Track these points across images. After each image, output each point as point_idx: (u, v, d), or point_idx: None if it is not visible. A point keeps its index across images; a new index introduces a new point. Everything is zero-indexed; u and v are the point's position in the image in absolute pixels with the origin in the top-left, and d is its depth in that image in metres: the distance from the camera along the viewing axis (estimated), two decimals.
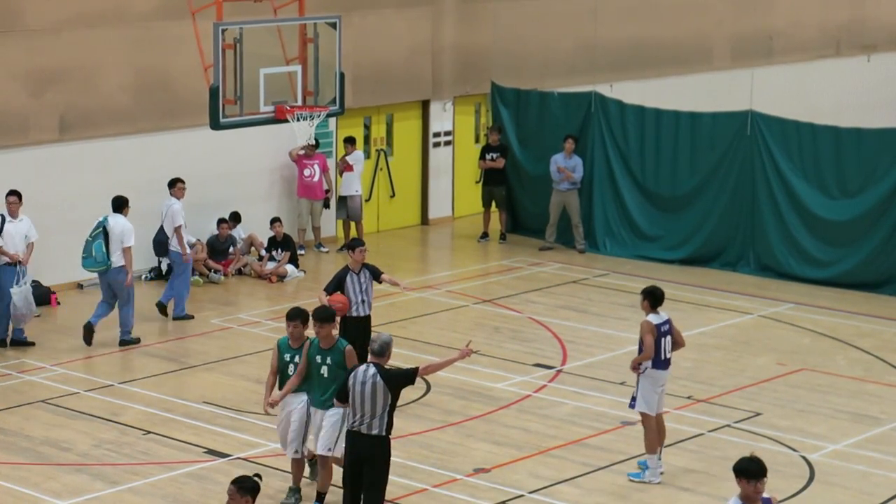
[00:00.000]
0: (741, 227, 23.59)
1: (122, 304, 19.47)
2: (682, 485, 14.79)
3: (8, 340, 19.23)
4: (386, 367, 12.78)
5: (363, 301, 16.87)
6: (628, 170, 24.77)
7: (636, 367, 14.87)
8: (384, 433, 12.69)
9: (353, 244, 17.10)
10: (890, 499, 14.55)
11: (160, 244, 21.67)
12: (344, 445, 13.09)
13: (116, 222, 19.35)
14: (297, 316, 13.80)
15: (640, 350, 14.78)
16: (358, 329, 16.65)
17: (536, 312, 21.13)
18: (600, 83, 27.34)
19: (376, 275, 17.02)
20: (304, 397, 13.82)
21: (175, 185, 21.06)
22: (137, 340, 19.53)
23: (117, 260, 19.22)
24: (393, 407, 12.72)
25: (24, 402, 17.08)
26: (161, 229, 21.38)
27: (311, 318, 13.78)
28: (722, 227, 23.77)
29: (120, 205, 19.60)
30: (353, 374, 12.80)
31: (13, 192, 19.50)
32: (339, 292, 16.71)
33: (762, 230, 23.34)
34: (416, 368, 12.99)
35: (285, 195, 24.66)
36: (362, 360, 16.58)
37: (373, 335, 13.18)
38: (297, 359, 13.81)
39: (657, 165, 24.48)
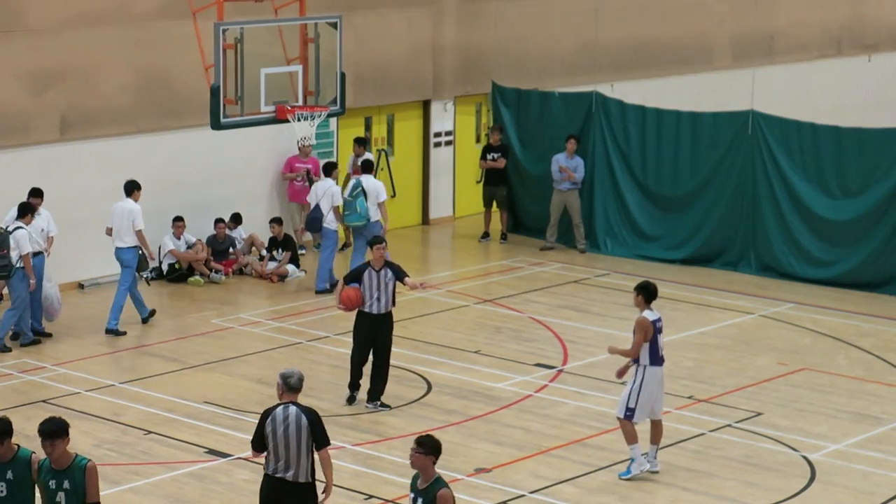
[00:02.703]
0: (742, 226, 23.58)
1: None
2: (683, 484, 14.79)
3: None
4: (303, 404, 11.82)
5: (378, 298, 16.73)
6: (629, 170, 24.77)
7: (622, 374, 14.93)
8: (310, 479, 11.73)
9: (372, 241, 17.18)
10: (891, 499, 14.55)
11: (315, 220, 22.17)
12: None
13: (370, 182, 22.01)
14: None
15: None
16: (369, 325, 16.76)
17: (537, 312, 21.13)
18: (601, 83, 27.34)
19: (400, 276, 16.85)
20: None
21: (333, 170, 22.48)
22: None
23: (374, 214, 21.82)
24: (312, 449, 11.75)
25: (25, 402, 17.08)
26: (317, 206, 22.01)
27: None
28: (723, 227, 23.76)
29: (369, 166, 22.41)
30: (270, 417, 11.72)
31: (36, 192, 19.76)
32: (356, 285, 16.72)
33: (763, 230, 23.33)
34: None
35: (286, 195, 24.65)
36: (378, 355, 16.89)
37: (287, 370, 11.97)
38: (9, 474, 10.66)
39: (658, 165, 24.48)
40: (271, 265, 23.08)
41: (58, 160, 21.80)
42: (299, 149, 23.91)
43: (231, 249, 23.19)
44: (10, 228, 18.90)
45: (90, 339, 19.62)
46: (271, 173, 24.51)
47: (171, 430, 16.12)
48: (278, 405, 11.78)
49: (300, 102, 19.00)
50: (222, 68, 18.06)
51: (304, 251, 24.46)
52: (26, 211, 19.21)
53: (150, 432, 16.03)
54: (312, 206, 22.23)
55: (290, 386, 11.76)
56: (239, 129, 19.88)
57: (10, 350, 19.01)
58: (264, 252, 23.36)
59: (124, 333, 19.79)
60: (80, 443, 15.71)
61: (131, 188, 20.23)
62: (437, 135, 27.05)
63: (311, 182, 24.14)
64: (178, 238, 22.76)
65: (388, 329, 16.90)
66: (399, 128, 26.71)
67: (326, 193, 22.03)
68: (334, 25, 19.38)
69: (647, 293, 14.79)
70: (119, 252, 20.08)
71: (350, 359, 17.11)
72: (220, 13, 18.25)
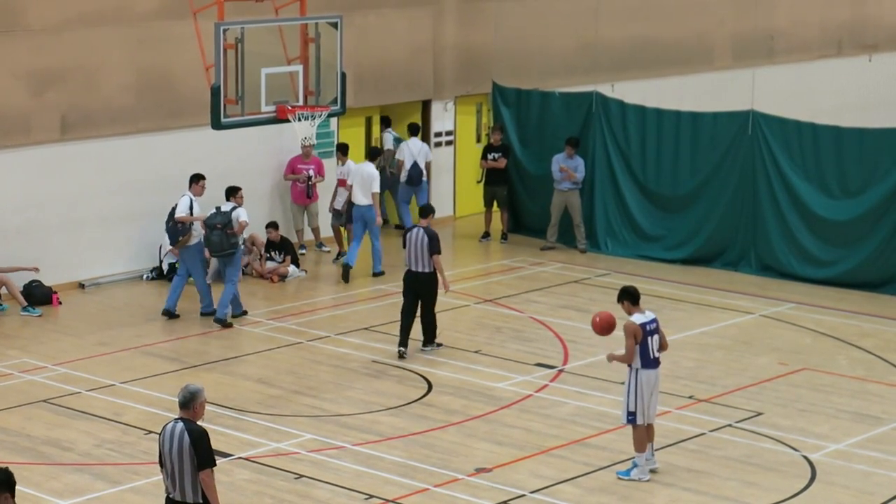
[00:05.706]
0: (742, 226, 23.58)
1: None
2: (683, 484, 14.79)
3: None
4: (197, 422, 11.37)
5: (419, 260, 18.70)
6: (630, 170, 24.77)
7: (611, 360, 14.97)
8: (200, 500, 11.27)
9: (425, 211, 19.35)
10: (891, 499, 14.55)
11: (418, 176, 25.12)
12: None
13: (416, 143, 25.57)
14: None
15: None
16: (408, 280, 18.80)
17: (538, 312, 21.13)
18: (601, 83, 27.35)
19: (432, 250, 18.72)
20: None
21: (419, 130, 25.65)
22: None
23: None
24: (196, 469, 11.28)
25: (25, 402, 17.08)
26: (415, 164, 25.09)
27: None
28: (723, 227, 23.76)
29: (414, 131, 25.59)
30: (162, 432, 11.50)
31: (204, 176, 20.70)
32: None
33: (763, 230, 23.33)
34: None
35: (286, 195, 24.64)
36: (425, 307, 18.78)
37: (185, 384, 11.55)
38: None
39: (658, 165, 24.48)
40: (270, 265, 23.08)
41: (58, 160, 21.80)
42: (302, 149, 23.87)
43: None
44: (223, 209, 20.23)
45: (90, 339, 19.61)
46: (271, 173, 24.50)
47: None
48: (170, 421, 11.54)
49: (301, 102, 19.01)
50: (223, 68, 18.07)
51: (304, 251, 24.44)
52: (235, 191, 20.64)
53: (150, 432, 16.02)
54: (409, 164, 25.07)
55: (179, 402, 11.46)
56: (239, 129, 19.88)
57: (231, 325, 20.14)
58: (264, 252, 23.35)
59: (382, 273, 22.70)
60: (80, 442, 15.74)
61: (376, 154, 23.43)
62: (438, 135, 27.06)
63: (310, 185, 24.12)
64: None
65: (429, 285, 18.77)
66: (400, 128, 26.68)
67: (421, 152, 25.27)
68: (335, 25, 19.39)
69: (630, 297, 14.79)
70: (358, 209, 22.70)
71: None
72: (220, 13, 18.26)
